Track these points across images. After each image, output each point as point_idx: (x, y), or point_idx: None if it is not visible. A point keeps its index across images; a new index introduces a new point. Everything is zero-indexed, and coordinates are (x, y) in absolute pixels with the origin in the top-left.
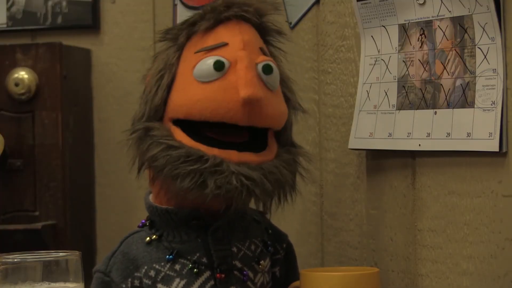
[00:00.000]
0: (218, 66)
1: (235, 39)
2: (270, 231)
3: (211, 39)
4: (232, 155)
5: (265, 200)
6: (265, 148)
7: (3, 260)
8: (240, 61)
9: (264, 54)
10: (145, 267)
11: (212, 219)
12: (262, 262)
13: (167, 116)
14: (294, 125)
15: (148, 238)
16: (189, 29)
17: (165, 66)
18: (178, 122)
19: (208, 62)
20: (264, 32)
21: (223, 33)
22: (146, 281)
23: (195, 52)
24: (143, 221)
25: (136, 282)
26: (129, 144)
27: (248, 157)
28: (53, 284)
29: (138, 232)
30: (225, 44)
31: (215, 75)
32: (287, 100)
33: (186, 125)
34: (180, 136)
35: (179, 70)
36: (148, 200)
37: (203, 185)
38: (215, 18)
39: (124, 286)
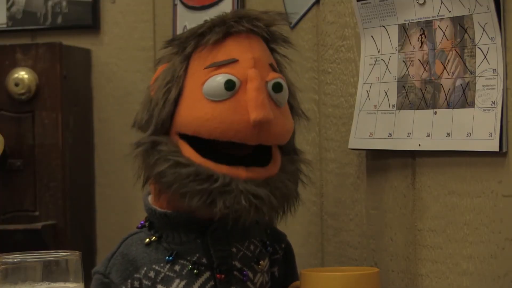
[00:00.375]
0: (229, 86)
1: (245, 56)
2: (268, 231)
3: (221, 54)
4: (240, 172)
5: (271, 216)
6: (270, 160)
7: (3, 260)
8: (250, 80)
9: (274, 70)
10: (145, 268)
11: (210, 222)
12: (261, 262)
13: (174, 129)
14: (296, 130)
15: (147, 239)
16: (197, 39)
17: (172, 78)
18: (185, 136)
19: (219, 80)
20: (271, 39)
21: (233, 48)
22: (145, 282)
23: (205, 68)
24: (142, 222)
25: (136, 283)
26: (134, 156)
27: (256, 172)
28: (53, 284)
29: (137, 233)
30: (235, 61)
31: (226, 95)
32: (291, 107)
33: (193, 139)
34: (188, 152)
35: (187, 83)
36: (147, 202)
37: (212, 205)
38: (225, 32)
39: (123, 287)
